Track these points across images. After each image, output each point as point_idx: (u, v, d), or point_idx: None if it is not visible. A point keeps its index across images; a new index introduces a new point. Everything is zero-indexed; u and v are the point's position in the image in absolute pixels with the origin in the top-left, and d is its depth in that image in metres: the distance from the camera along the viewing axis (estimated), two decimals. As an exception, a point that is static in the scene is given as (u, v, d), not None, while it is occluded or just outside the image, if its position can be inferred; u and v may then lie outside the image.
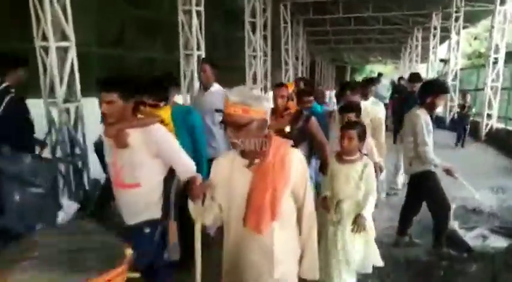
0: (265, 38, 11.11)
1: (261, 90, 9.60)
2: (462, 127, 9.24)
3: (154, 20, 7.69)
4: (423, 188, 3.87)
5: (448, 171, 3.66)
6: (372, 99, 5.20)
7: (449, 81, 12.29)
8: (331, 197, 2.90)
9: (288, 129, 3.35)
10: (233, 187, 1.83)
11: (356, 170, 2.82)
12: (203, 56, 6.60)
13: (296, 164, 1.82)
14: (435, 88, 3.76)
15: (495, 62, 9.57)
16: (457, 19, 12.08)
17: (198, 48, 6.55)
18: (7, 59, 3.38)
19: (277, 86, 3.62)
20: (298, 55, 17.26)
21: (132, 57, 7.29)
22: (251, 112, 1.67)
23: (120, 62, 6.94)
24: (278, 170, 1.76)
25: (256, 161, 1.78)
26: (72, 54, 4.46)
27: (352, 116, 3.44)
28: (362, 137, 2.86)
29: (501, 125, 9.94)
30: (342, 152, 2.89)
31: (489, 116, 10.00)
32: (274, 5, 12.40)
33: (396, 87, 9.99)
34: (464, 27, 15.66)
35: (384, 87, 10.25)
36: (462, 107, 9.22)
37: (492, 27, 9.54)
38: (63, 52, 4.41)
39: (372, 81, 5.95)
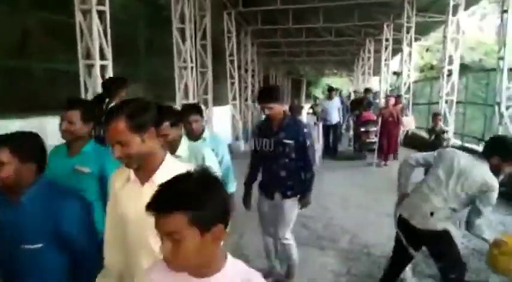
0: (203, 47, 9.99)
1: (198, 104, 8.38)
2: None
3: (60, 23, 6.33)
4: (440, 249, 2.90)
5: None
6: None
7: (402, 93, 11.66)
8: None
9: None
10: None
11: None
12: (110, 66, 5.35)
13: None
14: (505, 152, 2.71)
15: (449, 74, 8.96)
16: (408, 30, 11.52)
17: (102, 57, 5.27)
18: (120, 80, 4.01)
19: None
20: (247, 68, 16.29)
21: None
22: None
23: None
24: None
25: None
26: None
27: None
28: None
29: (457, 142, 9.30)
30: None
31: (444, 133, 9.31)
32: (217, 13, 11.37)
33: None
34: (416, 39, 15.36)
35: (334, 108, 10.30)
36: (431, 131, 7.08)
37: (445, 37, 8.93)
38: None
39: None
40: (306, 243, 4.64)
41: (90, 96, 5.07)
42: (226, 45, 12.31)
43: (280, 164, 3.29)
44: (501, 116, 6.16)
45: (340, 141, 11.68)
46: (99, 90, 4.60)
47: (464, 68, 9.46)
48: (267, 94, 3.25)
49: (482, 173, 2.66)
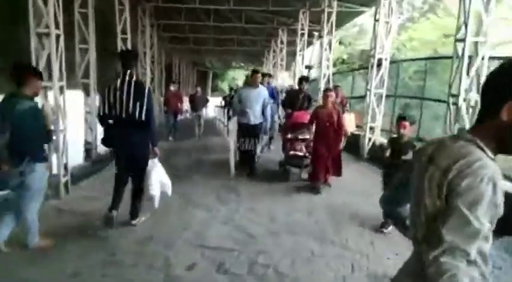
0: (84, 17, 7.60)
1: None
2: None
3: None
4: None
5: None
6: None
7: (321, 87, 10.52)
8: None
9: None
10: None
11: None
12: None
13: None
14: None
15: (379, 64, 7.93)
16: (329, 17, 10.38)
17: None
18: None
19: None
20: (146, 51, 13.93)
21: None
22: None
23: None
24: None
25: None
26: None
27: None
28: None
29: (384, 140, 8.35)
30: None
31: (371, 129, 8.32)
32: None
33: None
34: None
35: (257, 101, 6.92)
36: (393, 142, 4.51)
37: (376, 21, 7.84)
38: None
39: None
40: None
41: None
42: (117, 20, 9.89)
43: None
44: (458, 111, 5.09)
45: (269, 148, 8.96)
46: None
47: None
48: None
49: None
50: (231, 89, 13.38)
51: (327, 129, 5.80)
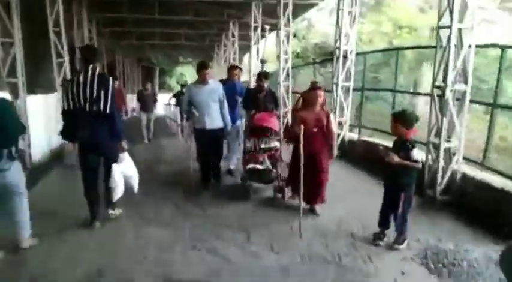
0: (6, 7, 6.41)
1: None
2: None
3: None
4: None
5: None
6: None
7: (281, 82, 9.95)
8: None
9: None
10: None
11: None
12: None
13: None
14: None
15: (345, 56, 7.45)
16: (285, 7, 9.78)
17: None
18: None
19: None
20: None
21: None
22: None
23: None
24: None
25: None
26: None
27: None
28: None
29: (354, 135, 7.93)
30: None
31: (340, 124, 7.83)
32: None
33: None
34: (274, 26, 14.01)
35: (212, 100, 5.53)
36: (400, 145, 3.72)
37: (340, 9, 7.32)
38: None
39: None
40: None
41: None
42: (48, 12, 8.64)
43: None
44: (444, 103, 4.63)
45: (234, 161, 6.60)
46: None
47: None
48: None
49: None
50: (181, 85, 11.96)
51: (314, 137, 4.43)
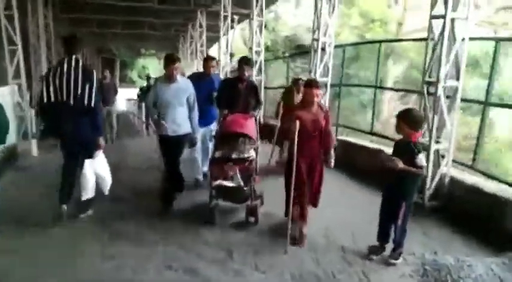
0: None
1: None
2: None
3: None
4: None
5: None
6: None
7: (253, 76, 9.46)
8: None
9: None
10: None
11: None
12: None
13: None
14: None
15: (323, 48, 7.05)
16: (258, -4, 9.24)
17: None
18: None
19: None
20: (40, 34, 11.65)
21: None
22: None
23: None
24: None
25: None
26: None
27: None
28: None
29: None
30: None
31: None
32: None
33: None
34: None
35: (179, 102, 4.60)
36: (404, 148, 3.37)
37: (319, -1, 6.90)
38: None
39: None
40: None
41: None
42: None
43: None
44: (437, 101, 4.30)
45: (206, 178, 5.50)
46: None
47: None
48: None
49: None
50: (148, 77, 11.01)
51: (311, 142, 3.85)
